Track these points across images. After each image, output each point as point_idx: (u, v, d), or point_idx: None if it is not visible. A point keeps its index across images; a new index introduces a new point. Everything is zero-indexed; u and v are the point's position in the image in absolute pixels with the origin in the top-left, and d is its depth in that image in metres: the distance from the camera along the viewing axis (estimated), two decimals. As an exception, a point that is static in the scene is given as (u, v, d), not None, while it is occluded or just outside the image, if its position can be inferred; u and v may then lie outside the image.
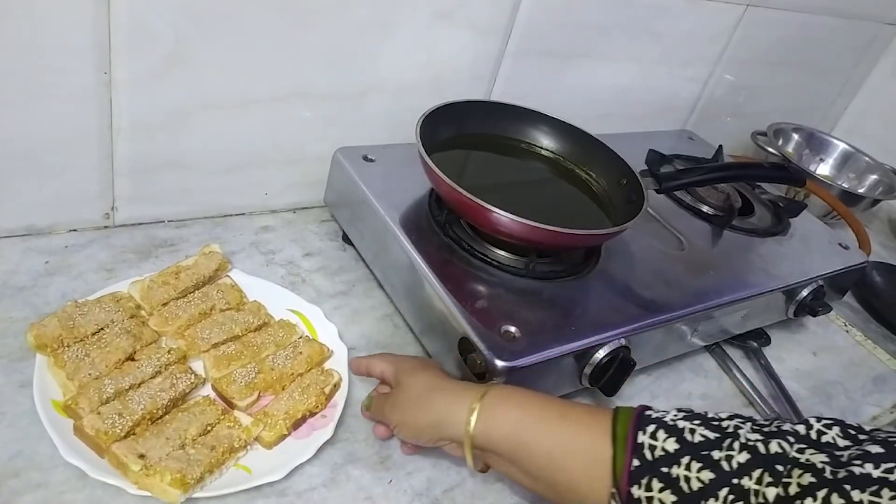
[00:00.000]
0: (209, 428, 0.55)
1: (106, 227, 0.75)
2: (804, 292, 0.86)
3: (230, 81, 0.72)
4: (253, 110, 0.75)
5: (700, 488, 0.44)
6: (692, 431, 0.47)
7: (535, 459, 0.51)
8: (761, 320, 0.87)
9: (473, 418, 0.52)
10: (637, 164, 0.79)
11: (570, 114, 0.84)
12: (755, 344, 0.87)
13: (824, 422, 0.46)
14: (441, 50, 0.83)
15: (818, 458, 0.42)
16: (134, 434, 0.53)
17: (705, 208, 0.92)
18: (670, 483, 0.45)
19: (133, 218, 0.76)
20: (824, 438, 0.44)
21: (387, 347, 0.71)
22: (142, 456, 0.51)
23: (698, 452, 0.45)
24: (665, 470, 0.45)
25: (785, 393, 0.81)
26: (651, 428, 0.48)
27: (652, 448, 0.47)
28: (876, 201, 1.24)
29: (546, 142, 0.85)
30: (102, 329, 0.60)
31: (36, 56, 0.61)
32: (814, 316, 0.89)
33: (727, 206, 0.92)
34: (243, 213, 0.83)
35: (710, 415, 0.48)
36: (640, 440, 0.47)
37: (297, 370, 0.63)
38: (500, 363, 0.59)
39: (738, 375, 0.82)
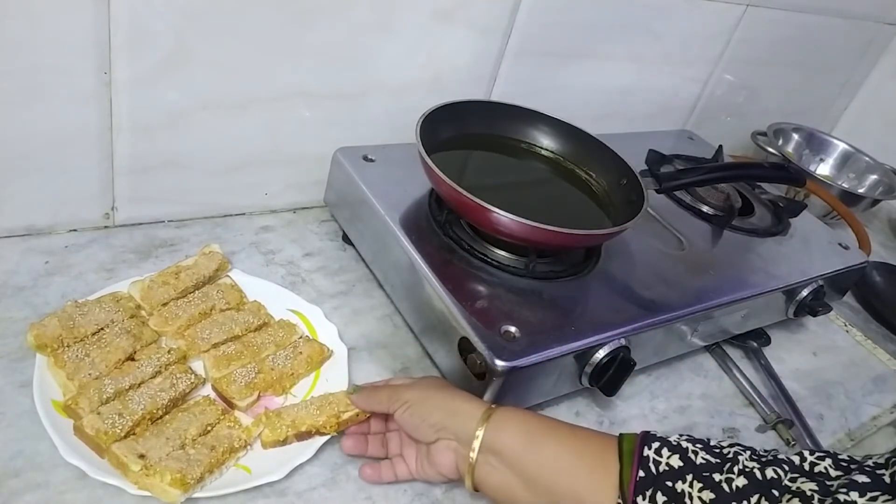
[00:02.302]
0: (209, 428, 0.55)
1: (106, 227, 0.75)
2: (804, 292, 0.86)
3: (230, 81, 0.72)
4: (253, 110, 0.75)
5: None
6: (695, 453, 0.49)
7: (542, 461, 0.52)
8: (761, 320, 0.87)
9: (488, 416, 0.53)
10: (637, 164, 0.79)
11: (570, 114, 0.84)
12: (755, 344, 0.87)
13: (817, 454, 0.47)
14: (441, 50, 0.83)
15: (808, 486, 0.44)
16: (134, 434, 0.53)
17: (705, 208, 0.92)
18: (674, 497, 0.47)
19: (133, 218, 0.76)
20: (817, 469, 0.46)
21: (387, 347, 0.71)
22: (142, 456, 0.51)
23: (701, 473, 0.47)
24: (669, 484, 0.47)
25: (785, 393, 0.81)
26: (656, 445, 0.50)
27: (657, 463, 0.48)
28: (876, 201, 1.24)
29: (546, 142, 0.85)
30: (102, 329, 0.60)
31: (36, 56, 0.61)
32: (814, 316, 0.89)
33: (727, 206, 0.92)
34: (243, 213, 0.83)
35: (711, 441, 0.50)
36: (645, 454, 0.49)
37: (298, 370, 0.63)
38: (500, 363, 0.59)
39: (738, 375, 0.82)
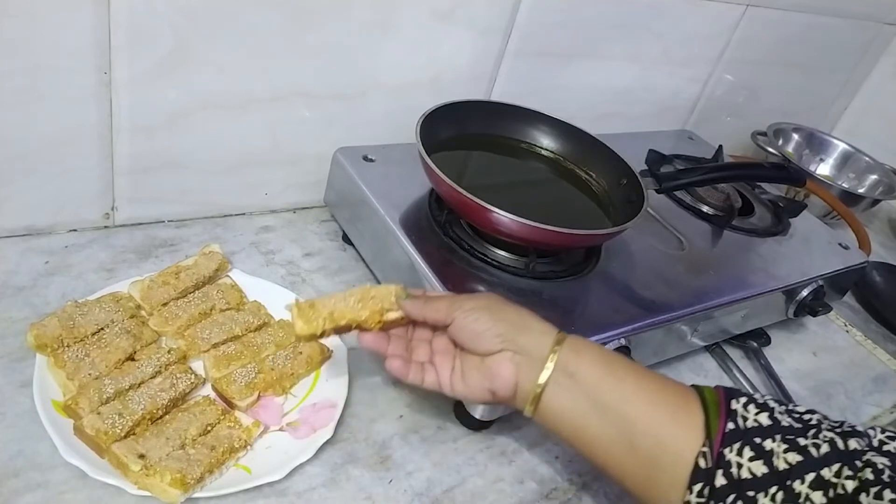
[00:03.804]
0: (209, 428, 0.55)
1: (106, 227, 0.75)
2: (804, 292, 0.86)
3: (230, 81, 0.72)
4: (253, 110, 0.75)
5: (787, 469, 0.45)
6: (781, 414, 0.48)
7: (623, 392, 0.50)
8: (761, 320, 0.87)
9: (562, 338, 0.52)
10: (637, 164, 0.79)
11: (570, 114, 0.84)
12: (755, 344, 0.87)
13: (887, 433, 0.47)
14: (441, 50, 0.83)
15: (880, 460, 0.44)
16: (134, 434, 0.53)
17: (705, 208, 0.92)
18: (763, 454, 0.46)
19: (133, 218, 0.76)
20: (885, 448, 0.46)
21: (387, 347, 0.71)
22: (142, 456, 0.51)
23: (786, 435, 0.46)
24: (758, 441, 0.46)
25: (785, 393, 0.81)
26: (743, 400, 0.49)
27: (745, 418, 0.47)
28: (876, 201, 1.24)
29: (546, 142, 0.85)
30: (102, 329, 0.60)
31: (36, 56, 0.61)
32: (814, 316, 0.89)
33: (727, 206, 0.92)
34: (243, 213, 0.83)
35: (789, 405, 0.49)
36: (733, 407, 0.48)
37: (298, 370, 0.63)
38: (500, 363, 0.58)
39: (738, 375, 0.82)
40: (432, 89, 0.85)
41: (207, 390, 0.60)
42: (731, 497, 0.45)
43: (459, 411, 0.65)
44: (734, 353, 0.86)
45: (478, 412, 0.62)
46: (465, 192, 0.65)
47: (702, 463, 0.47)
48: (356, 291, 0.55)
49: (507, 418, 0.67)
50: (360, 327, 0.54)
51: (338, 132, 0.81)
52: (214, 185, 0.79)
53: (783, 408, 0.49)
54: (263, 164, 0.80)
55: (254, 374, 0.60)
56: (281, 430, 0.59)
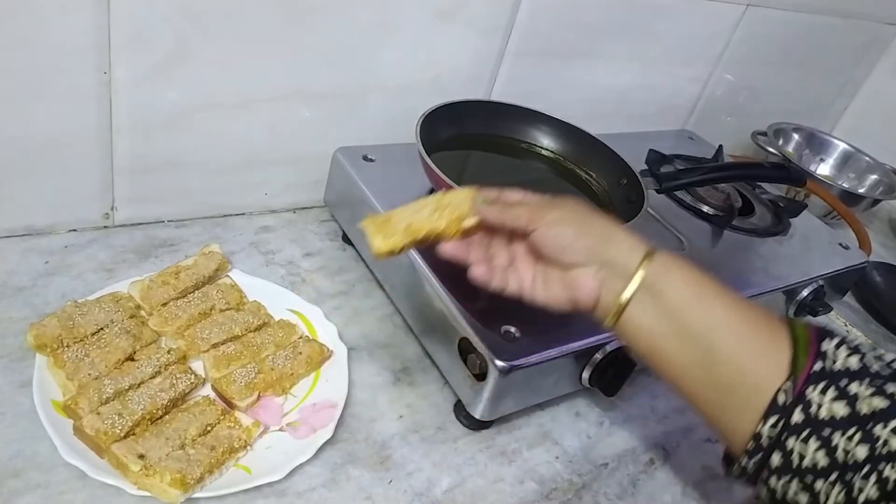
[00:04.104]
0: (209, 428, 0.55)
1: (106, 227, 0.75)
2: (804, 292, 0.86)
3: (230, 81, 0.72)
4: (253, 110, 0.75)
5: (870, 413, 0.43)
6: (871, 359, 0.46)
7: (709, 316, 0.48)
8: (761, 320, 0.87)
9: (650, 255, 0.49)
10: (637, 164, 0.79)
11: (570, 114, 0.84)
12: (755, 344, 0.87)
13: None
14: (441, 50, 0.83)
15: None
16: (134, 434, 0.53)
17: (705, 208, 0.92)
18: (846, 397, 0.44)
19: (133, 218, 0.76)
20: None
21: (387, 347, 0.71)
22: (141, 456, 0.51)
23: (875, 380, 0.45)
24: (844, 383, 0.45)
25: (785, 393, 0.81)
26: (836, 340, 0.47)
27: (834, 360, 0.46)
28: (876, 201, 1.24)
29: (546, 142, 0.85)
30: (102, 329, 0.60)
31: (36, 56, 0.61)
32: (814, 316, 0.89)
33: (727, 206, 0.92)
34: (243, 213, 0.83)
35: (881, 352, 0.48)
36: (824, 348, 0.47)
37: (297, 370, 0.63)
38: (500, 363, 0.59)
39: (739, 375, 0.82)
40: (432, 89, 0.85)
41: (207, 390, 0.60)
42: (806, 433, 0.44)
43: (459, 411, 0.65)
44: (734, 353, 0.85)
45: (478, 412, 0.62)
46: (465, 192, 0.65)
47: (781, 398, 0.45)
48: (430, 201, 0.53)
49: (507, 418, 0.67)
50: (438, 238, 0.52)
51: (338, 132, 0.81)
52: (214, 185, 0.79)
53: (875, 353, 0.47)
54: (263, 164, 0.80)
55: (254, 374, 0.60)
56: (281, 430, 0.59)
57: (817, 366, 0.46)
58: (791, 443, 0.45)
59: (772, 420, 0.45)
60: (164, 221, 0.78)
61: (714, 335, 0.48)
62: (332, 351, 0.66)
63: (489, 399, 0.60)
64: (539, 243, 0.52)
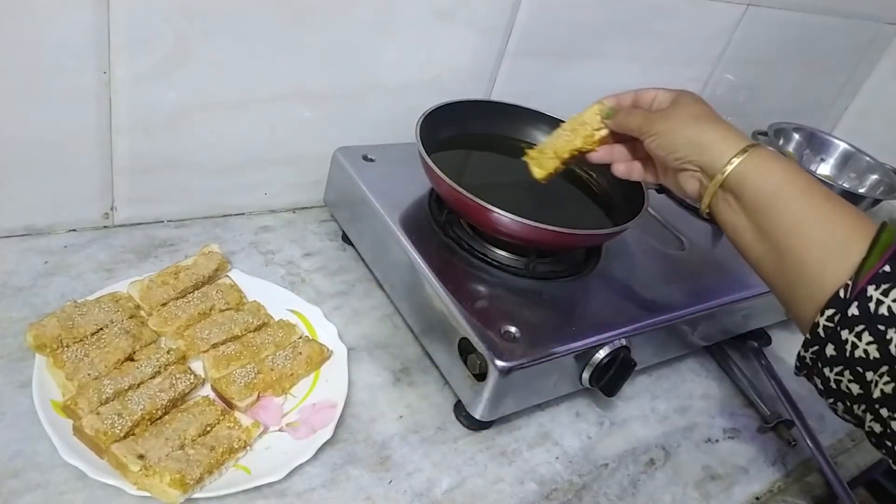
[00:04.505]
0: (209, 428, 0.55)
1: (105, 227, 0.75)
2: (805, 292, 0.85)
3: (230, 81, 0.72)
4: (253, 110, 0.75)
5: None
6: None
7: (782, 220, 0.52)
8: (762, 320, 0.87)
9: (739, 159, 0.53)
10: (637, 163, 0.79)
11: (570, 113, 0.84)
12: (755, 344, 0.87)
13: None
14: (441, 50, 0.83)
15: None
16: (133, 434, 0.53)
17: (706, 208, 0.92)
18: None
19: (132, 218, 0.76)
20: None
21: (387, 347, 0.71)
22: (141, 456, 0.51)
23: None
24: None
25: (785, 393, 0.81)
26: None
27: None
28: (877, 201, 1.24)
29: (546, 142, 0.85)
30: (102, 329, 0.60)
31: (36, 56, 0.61)
32: (814, 316, 0.89)
33: (727, 206, 0.92)
34: (243, 213, 0.83)
35: None
36: None
37: (297, 370, 0.62)
38: (500, 363, 0.58)
39: (739, 375, 0.82)
40: (432, 89, 0.85)
41: (207, 391, 0.60)
42: (860, 328, 0.46)
43: (459, 411, 0.65)
44: (734, 353, 0.86)
45: (478, 412, 0.62)
46: (465, 192, 0.65)
47: (841, 293, 0.47)
48: (566, 125, 0.65)
49: (507, 418, 0.67)
50: (581, 153, 0.63)
51: (338, 132, 0.81)
52: (214, 185, 0.79)
53: None
54: (263, 164, 0.80)
55: (253, 374, 0.60)
56: (280, 430, 0.59)
57: (885, 268, 0.46)
58: (845, 334, 0.47)
59: (829, 313, 0.48)
60: (163, 221, 0.78)
61: (783, 239, 0.52)
62: (331, 351, 0.66)
63: (489, 399, 0.60)
64: (648, 151, 0.60)
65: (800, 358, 0.51)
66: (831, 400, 0.51)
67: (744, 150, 0.54)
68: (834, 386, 0.49)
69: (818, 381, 0.51)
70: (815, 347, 0.49)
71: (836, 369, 0.48)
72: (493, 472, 0.62)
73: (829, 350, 0.48)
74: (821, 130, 1.39)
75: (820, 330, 0.48)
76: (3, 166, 0.65)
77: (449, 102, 0.76)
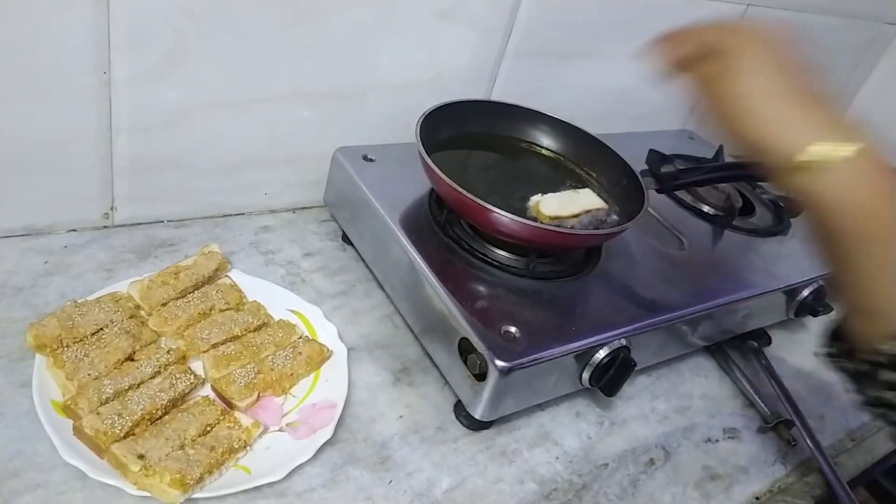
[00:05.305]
0: (209, 428, 0.55)
1: (105, 227, 0.75)
2: (805, 292, 0.86)
3: (230, 81, 0.72)
4: (253, 110, 0.75)
5: None
6: None
7: (870, 262, 0.46)
8: (762, 320, 0.87)
9: (837, 152, 0.44)
10: (637, 164, 0.79)
11: (570, 113, 0.84)
12: (755, 344, 0.87)
13: None
14: (441, 50, 0.83)
15: None
16: (133, 434, 0.53)
17: (706, 208, 0.92)
18: None
19: (132, 218, 0.76)
20: None
21: (387, 347, 0.71)
22: (141, 456, 0.51)
23: None
24: None
25: (786, 393, 0.81)
26: None
27: None
28: (876, 201, 1.24)
29: (547, 142, 0.85)
30: (102, 329, 0.60)
31: (36, 56, 0.61)
32: (814, 316, 0.89)
33: (728, 205, 0.92)
34: (243, 213, 0.83)
35: None
36: None
37: (297, 370, 0.62)
38: (500, 363, 0.58)
39: (739, 375, 0.82)
40: (432, 89, 0.85)
41: (207, 391, 0.60)
42: None
43: (459, 411, 0.65)
44: (734, 353, 0.86)
45: (478, 412, 0.62)
46: (465, 192, 0.65)
47: None
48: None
49: (507, 418, 0.67)
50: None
51: (338, 132, 0.81)
52: (214, 185, 0.79)
53: None
54: (263, 164, 0.80)
55: (253, 374, 0.60)
56: (280, 430, 0.59)
57: None
58: None
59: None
60: (163, 221, 0.78)
61: (864, 276, 0.47)
62: (331, 351, 0.66)
63: (489, 399, 0.60)
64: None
65: (837, 346, 0.49)
66: (862, 391, 0.50)
67: (842, 149, 0.44)
68: (875, 395, 0.48)
69: (850, 367, 0.49)
70: (868, 365, 0.48)
71: (890, 394, 0.47)
72: (493, 472, 0.62)
73: (886, 375, 0.47)
74: (821, 130, 1.39)
75: (882, 350, 0.47)
76: (3, 166, 0.65)
77: (449, 102, 0.76)
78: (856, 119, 0.47)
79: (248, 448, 0.56)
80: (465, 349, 0.61)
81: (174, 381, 0.57)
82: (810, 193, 0.46)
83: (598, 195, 0.77)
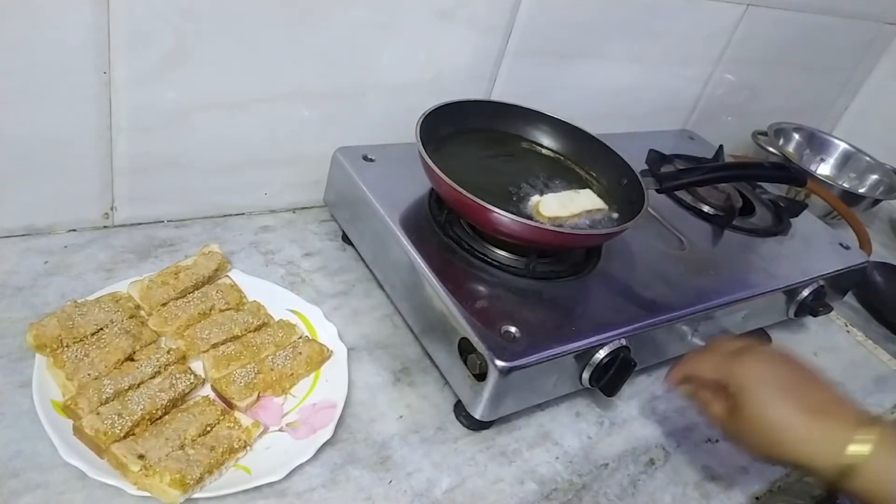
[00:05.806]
0: (209, 428, 0.55)
1: (105, 227, 0.75)
2: (805, 292, 0.86)
3: (230, 81, 0.72)
4: (253, 110, 0.75)
5: None
6: None
7: None
8: (762, 320, 0.87)
9: (859, 452, 0.48)
10: (638, 163, 0.79)
11: (570, 113, 0.84)
12: (756, 344, 0.86)
13: None
14: (441, 50, 0.83)
15: None
16: (133, 434, 0.53)
17: (706, 208, 0.92)
18: None
19: (132, 218, 0.76)
20: None
21: (387, 347, 0.71)
22: (141, 456, 0.51)
23: None
24: None
25: (785, 393, 0.81)
26: None
27: None
28: (877, 201, 1.24)
29: (547, 141, 0.85)
30: (102, 329, 0.60)
31: (36, 56, 0.61)
32: (814, 316, 0.89)
33: (728, 205, 0.92)
34: (243, 213, 0.83)
35: None
36: None
37: (297, 370, 0.62)
38: (500, 363, 0.58)
39: (739, 375, 0.82)
40: (432, 89, 0.85)
41: (207, 391, 0.60)
42: None
43: (459, 411, 0.65)
44: (735, 354, 0.85)
45: (478, 412, 0.62)
46: (465, 192, 0.65)
47: None
48: None
49: (507, 418, 0.67)
50: None
51: (338, 132, 0.81)
52: (214, 185, 0.79)
53: None
54: (263, 164, 0.80)
55: (253, 374, 0.60)
56: (280, 430, 0.59)
57: None
58: None
59: None
60: (163, 221, 0.78)
61: None
62: (331, 351, 0.66)
63: (489, 399, 0.60)
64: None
65: None
66: None
67: (858, 451, 0.48)
68: None
69: None
70: None
71: None
72: (493, 472, 0.62)
73: None
74: (821, 130, 1.39)
75: None
76: (3, 166, 0.65)
77: (449, 102, 0.76)
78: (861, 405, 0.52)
79: (248, 448, 0.56)
80: (465, 349, 0.61)
81: (174, 381, 0.57)
82: (859, 491, 0.49)
83: (598, 195, 0.77)
